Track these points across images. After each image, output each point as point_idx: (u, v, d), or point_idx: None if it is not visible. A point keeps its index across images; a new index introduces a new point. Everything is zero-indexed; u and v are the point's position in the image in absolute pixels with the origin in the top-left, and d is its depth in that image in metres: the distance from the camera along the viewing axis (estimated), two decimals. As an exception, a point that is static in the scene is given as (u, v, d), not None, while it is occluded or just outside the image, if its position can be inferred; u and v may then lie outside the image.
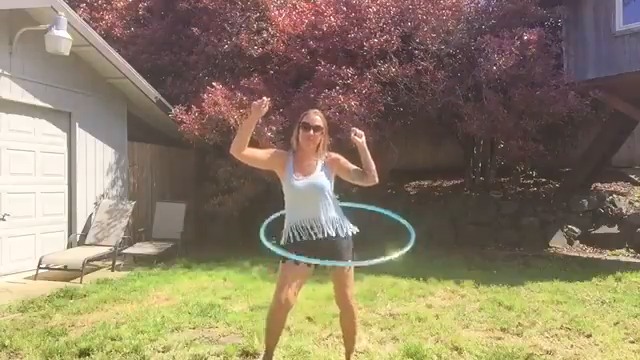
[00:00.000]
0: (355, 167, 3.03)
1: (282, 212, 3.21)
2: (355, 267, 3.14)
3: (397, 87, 7.98)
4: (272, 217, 3.30)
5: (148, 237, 7.98)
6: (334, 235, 2.98)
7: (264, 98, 2.84)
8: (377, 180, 2.96)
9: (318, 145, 3.05)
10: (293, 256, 2.88)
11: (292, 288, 2.94)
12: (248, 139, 2.91)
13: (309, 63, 8.16)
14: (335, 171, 3.08)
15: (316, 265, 2.98)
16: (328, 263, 2.92)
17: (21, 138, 6.72)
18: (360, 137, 2.90)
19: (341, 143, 7.15)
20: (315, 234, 2.95)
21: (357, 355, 3.43)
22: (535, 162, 9.32)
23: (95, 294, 5.30)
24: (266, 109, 2.86)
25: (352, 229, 3.09)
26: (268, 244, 2.96)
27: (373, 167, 2.95)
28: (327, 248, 2.95)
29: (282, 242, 3.05)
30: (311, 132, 3.00)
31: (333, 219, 3.01)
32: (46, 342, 3.75)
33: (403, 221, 3.19)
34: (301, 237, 2.97)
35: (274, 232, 3.19)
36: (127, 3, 10.82)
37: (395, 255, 2.97)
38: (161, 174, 9.26)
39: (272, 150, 3.21)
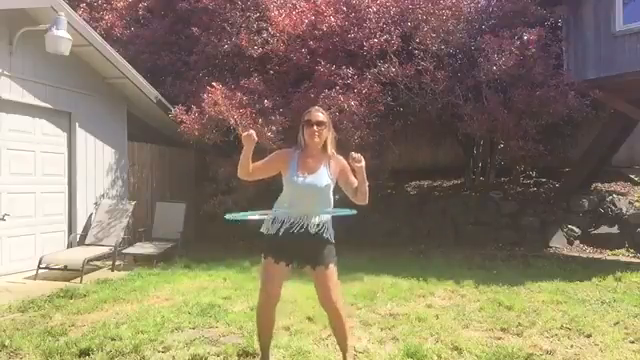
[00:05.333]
0: (354, 181, 3.04)
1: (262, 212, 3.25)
2: (353, 268, 3.14)
3: (397, 87, 7.99)
4: (243, 215, 3.26)
5: (148, 237, 7.98)
6: (319, 237, 3.00)
7: (250, 131, 2.97)
8: (366, 202, 3.00)
9: (325, 143, 3.06)
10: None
11: (275, 283, 3.03)
12: (250, 163, 3.01)
13: (309, 63, 8.15)
14: (337, 175, 3.09)
15: (293, 266, 3.05)
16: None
17: (21, 138, 6.72)
18: (359, 162, 2.88)
19: (341, 143, 7.19)
20: (300, 232, 2.98)
21: (357, 355, 3.43)
22: (535, 162, 9.32)
23: (95, 294, 5.30)
24: (256, 139, 2.95)
25: (332, 238, 3.08)
26: (236, 216, 3.05)
27: (366, 191, 2.98)
28: (309, 248, 2.99)
29: (264, 230, 3.08)
30: (314, 128, 3.02)
31: (323, 221, 3.03)
32: (46, 342, 3.75)
33: (345, 211, 3.12)
34: (286, 231, 2.99)
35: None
36: (127, 3, 10.82)
37: (349, 211, 3.02)
38: (161, 174, 9.26)
39: (273, 154, 3.22)
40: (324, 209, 3.05)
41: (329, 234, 3.06)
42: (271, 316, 3.09)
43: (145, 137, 8.96)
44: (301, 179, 3.01)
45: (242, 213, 3.11)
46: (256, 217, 3.08)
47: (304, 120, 3.08)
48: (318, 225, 3.01)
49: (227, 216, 3.10)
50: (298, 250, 3.00)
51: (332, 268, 3.03)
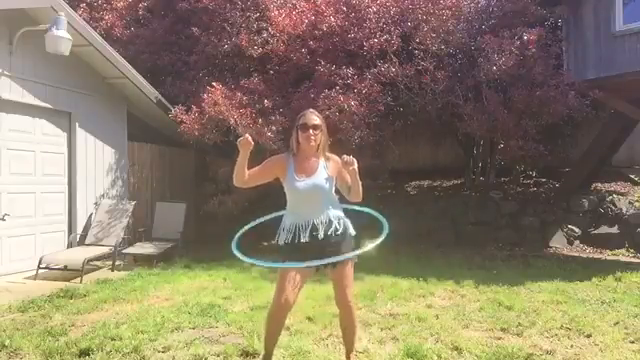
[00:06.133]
0: (349, 180, 3.06)
1: (254, 223, 3.27)
2: (355, 267, 3.14)
3: (397, 87, 7.98)
4: (243, 230, 3.29)
5: (148, 237, 7.98)
6: (334, 235, 2.98)
7: (247, 135, 2.92)
8: (360, 200, 3.05)
9: (318, 145, 3.06)
10: (271, 264, 2.94)
11: (292, 289, 2.94)
12: (246, 170, 2.96)
13: (309, 63, 8.15)
14: (336, 173, 3.09)
15: (317, 268, 2.98)
16: (314, 263, 2.91)
17: (21, 138, 6.72)
18: (352, 165, 2.89)
19: (341, 143, 7.19)
20: (316, 234, 2.95)
21: (357, 355, 3.43)
22: (535, 162, 9.33)
23: (95, 294, 5.30)
24: (252, 143, 2.90)
25: (352, 231, 3.08)
26: (244, 257, 3.00)
27: (360, 190, 3.01)
28: (327, 248, 2.95)
29: (281, 242, 3.04)
30: (310, 132, 3.01)
31: (334, 219, 3.01)
32: (46, 342, 3.75)
33: (378, 215, 3.18)
34: (301, 237, 2.96)
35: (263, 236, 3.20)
36: (127, 3, 10.82)
37: (371, 246, 2.97)
38: (161, 174, 9.25)
39: (268, 160, 3.17)
40: (336, 207, 3.06)
41: (345, 228, 3.03)
42: (283, 322, 3.06)
43: (145, 137, 8.96)
44: (301, 182, 2.99)
45: (253, 260, 3.05)
46: (265, 265, 3.05)
47: (299, 124, 3.05)
48: (330, 223, 2.98)
49: (239, 255, 3.04)
50: (317, 250, 2.92)
51: (351, 267, 3.05)
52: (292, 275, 2.94)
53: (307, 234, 2.95)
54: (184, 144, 8.68)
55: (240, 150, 2.90)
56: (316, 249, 2.92)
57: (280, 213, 3.15)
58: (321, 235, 2.95)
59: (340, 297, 3.05)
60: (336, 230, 2.99)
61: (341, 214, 3.08)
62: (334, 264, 2.97)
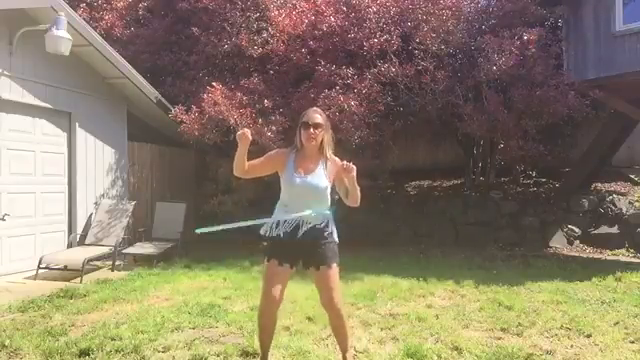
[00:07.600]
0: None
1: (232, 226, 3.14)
2: (353, 268, 3.14)
3: (397, 87, 7.99)
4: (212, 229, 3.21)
5: (148, 237, 7.98)
6: (322, 236, 3.01)
7: (245, 129, 2.97)
8: (357, 204, 3.08)
9: (321, 143, 3.06)
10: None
11: (278, 285, 3.00)
12: (245, 161, 3.00)
13: (309, 63, 8.16)
14: (334, 176, 3.10)
15: (292, 266, 3.03)
16: None
17: (21, 138, 6.71)
18: (350, 172, 2.92)
19: (341, 143, 7.19)
20: (298, 232, 2.98)
21: (357, 355, 3.43)
22: (535, 162, 9.33)
23: (95, 294, 5.30)
24: (250, 138, 2.95)
25: (335, 237, 3.09)
26: (211, 228, 3.02)
27: (357, 195, 3.04)
28: (312, 248, 2.99)
29: (266, 234, 3.07)
30: (311, 130, 3.02)
31: (323, 221, 3.03)
32: (46, 342, 3.75)
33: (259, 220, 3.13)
34: (288, 232, 2.99)
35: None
36: (127, 3, 10.83)
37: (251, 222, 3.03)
38: (161, 174, 9.26)
39: (270, 153, 3.22)
40: (321, 209, 3.04)
41: (331, 233, 3.06)
42: (273, 318, 3.08)
43: (145, 137, 8.96)
44: (299, 179, 3.01)
45: (219, 226, 3.05)
46: (230, 227, 3.03)
47: (301, 122, 3.08)
48: (319, 224, 3.01)
49: (198, 230, 3.05)
50: (301, 251, 3.00)
51: (335, 268, 3.03)
52: (277, 272, 3.00)
53: (292, 230, 2.98)
54: (184, 144, 8.68)
55: (239, 144, 2.96)
56: (300, 248, 2.98)
57: (263, 221, 3.12)
58: (306, 234, 2.98)
59: (327, 300, 3.03)
60: (321, 232, 3.01)
61: (329, 218, 3.08)
62: (317, 266, 3.00)
